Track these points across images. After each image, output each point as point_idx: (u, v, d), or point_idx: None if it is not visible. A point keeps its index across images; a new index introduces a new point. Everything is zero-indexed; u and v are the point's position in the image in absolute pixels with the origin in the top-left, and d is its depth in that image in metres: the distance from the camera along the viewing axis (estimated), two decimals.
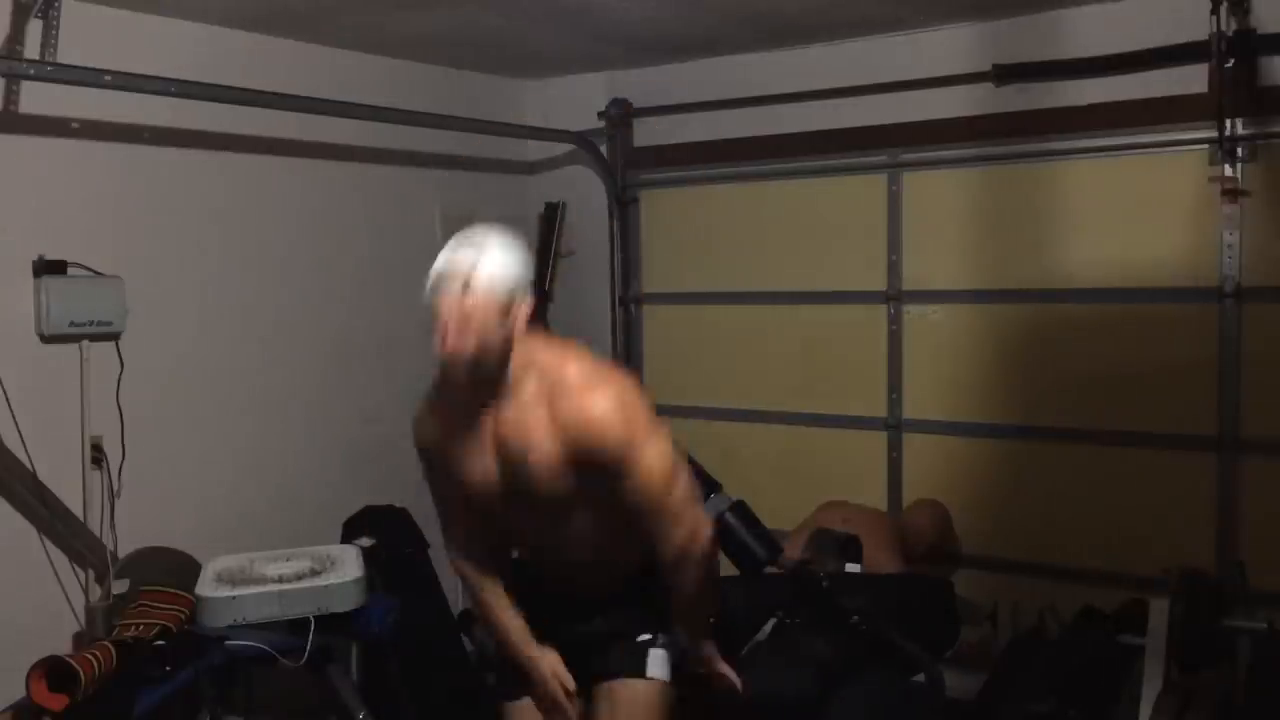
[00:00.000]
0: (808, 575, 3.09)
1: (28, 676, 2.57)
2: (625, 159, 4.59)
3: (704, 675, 2.38)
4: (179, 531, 3.28)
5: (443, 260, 2.05)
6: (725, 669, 2.37)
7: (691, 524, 2.17)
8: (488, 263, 2.03)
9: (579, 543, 2.24)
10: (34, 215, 3.09)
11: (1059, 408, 3.80)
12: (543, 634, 2.37)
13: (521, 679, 2.35)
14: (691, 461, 3.22)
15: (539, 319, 4.61)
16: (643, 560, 2.28)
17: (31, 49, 2.97)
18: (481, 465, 2.17)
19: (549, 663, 2.33)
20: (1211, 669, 3.03)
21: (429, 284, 2.06)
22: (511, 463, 2.12)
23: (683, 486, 2.16)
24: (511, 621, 2.35)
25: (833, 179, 4.19)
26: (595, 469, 2.07)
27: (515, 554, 2.43)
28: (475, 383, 2.08)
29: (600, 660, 2.32)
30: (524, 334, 2.09)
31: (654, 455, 2.09)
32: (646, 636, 2.30)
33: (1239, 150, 3.40)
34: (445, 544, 2.41)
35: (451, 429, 2.20)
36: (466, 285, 2.00)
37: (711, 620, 2.38)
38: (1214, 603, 3.01)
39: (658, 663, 2.30)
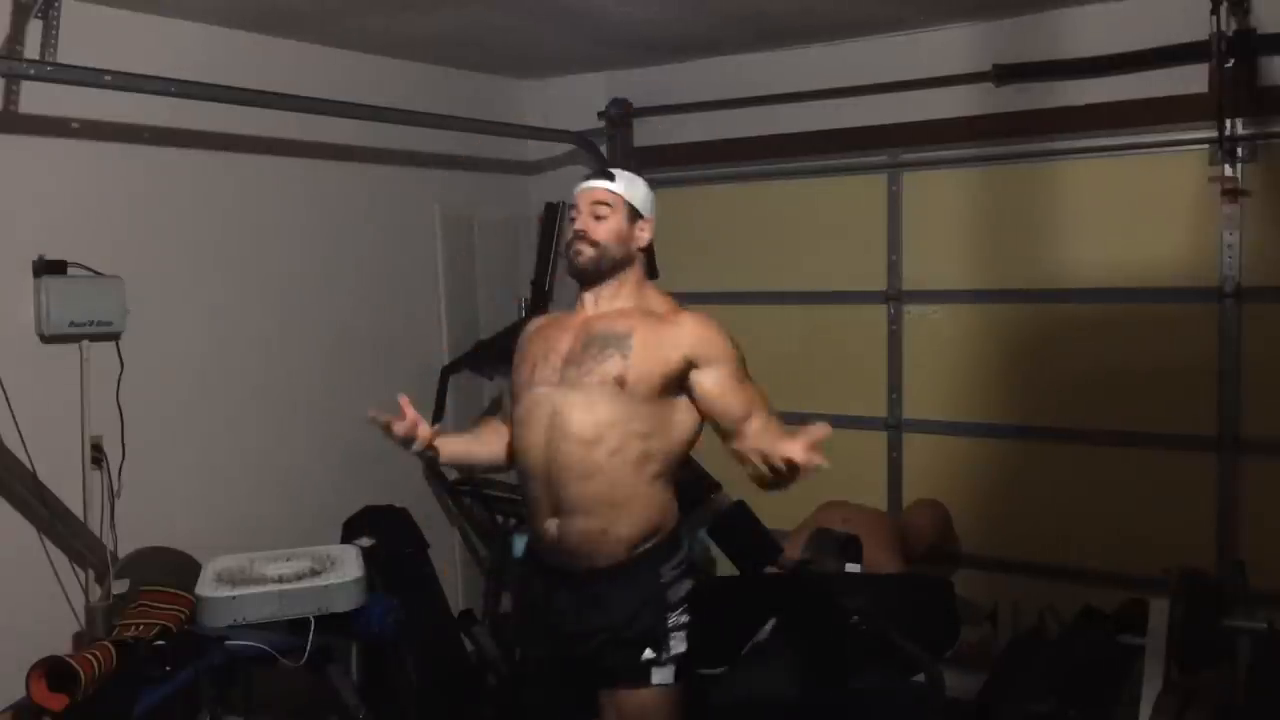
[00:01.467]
0: (808, 575, 3.09)
1: (28, 676, 2.57)
2: (625, 159, 4.58)
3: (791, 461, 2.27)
4: (179, 531, 3.28)
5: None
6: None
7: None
8: (626, 174, 2.49)
9: (584, 458, 2.28)
10: (34, 215, 3.09)
11: (1059, 408, 3.80)
12: (548, 638, 2.39)
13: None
14: (692, 461, 3.24)
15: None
16: (649, 522, 2.34)
17: (31, 49, 2.97)
18: (555, 340, 2.41)
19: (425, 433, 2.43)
20: (1211, 669, 3.03)
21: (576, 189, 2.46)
22: (591, 334, 2.35)
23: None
24: (461, 434, 2.66)
25: (833, 179, 4.19)
26: (706, 369, 2.32)
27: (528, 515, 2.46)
28: (599, 273, 2.40)
29: (605, 668, 2.33)
30: (642, 261, 2.47)
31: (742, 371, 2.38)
32: (650, 655, 2.31)
33: (1239, 150, 3.41)
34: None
35: (550, 324, 2.51)
36: (609, 178, 2.44)
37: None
38: (1214, 603, 3.01)
39: (663, 675, 2.33)
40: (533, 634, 2.48)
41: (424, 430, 2.43)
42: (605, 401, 2.28)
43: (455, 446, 2.58)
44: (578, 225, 2.41)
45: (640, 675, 2.31)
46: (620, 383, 2.28)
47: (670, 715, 2.35)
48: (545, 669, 2.48)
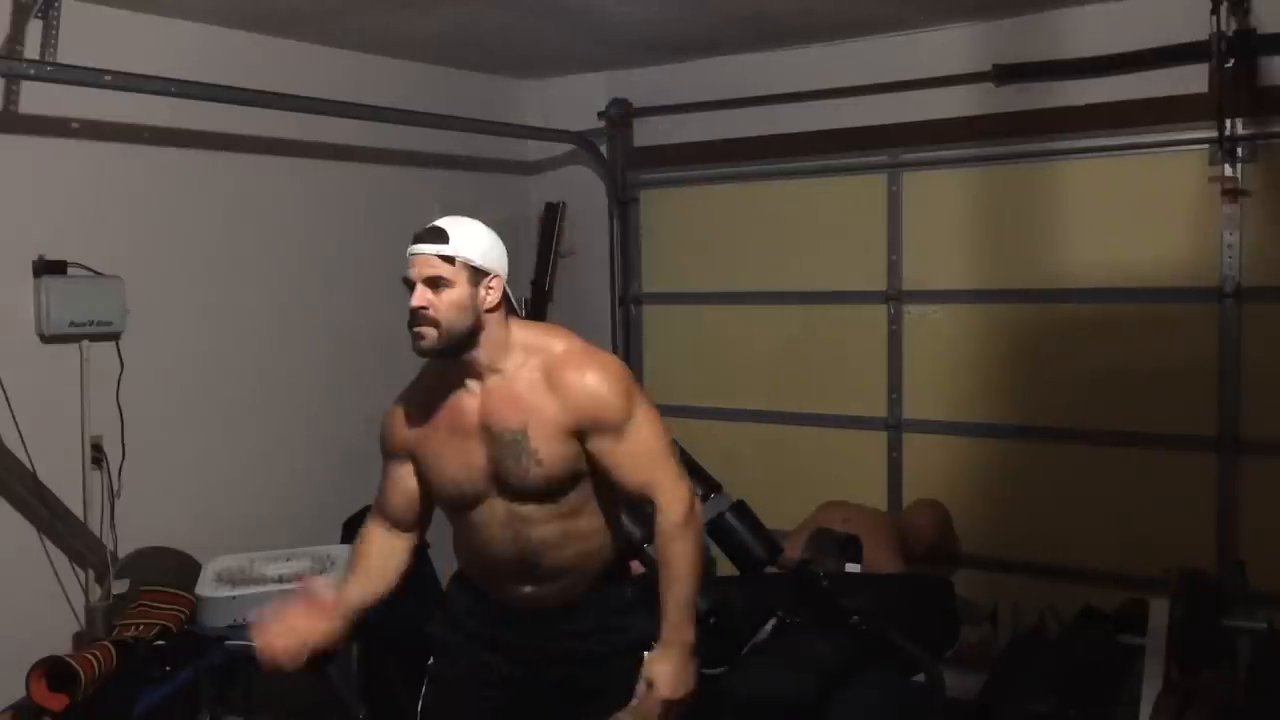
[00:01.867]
0: (808, 575, 3.09)
1: (28, 676, 2.57)
2: (625, 159, 4.59)
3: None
4: (179, 531, 3.28)
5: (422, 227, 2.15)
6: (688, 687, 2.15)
7: (688, 491, 2.17)
8: (462, 226, 2.13)
9: (554, 534, 2.17)
10: (34, 215, 3.09)
11: (1059, 408, 3.80)
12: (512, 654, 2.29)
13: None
14: (692, 461, 3.23)
15: (537, 317, 4.64)
16: (604, 564, 2.26)
17: (31, 49, 2.97)
18: (465, 452, 2.15)
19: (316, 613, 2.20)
20: (1211, 669, 3.03)
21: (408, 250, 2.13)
22: (501, 442, 2.11)
23: (673, 452, 2.20)
24: (357, 581, 2.28)
25: (833, 179, 4.19)
26: (597, 437, 2.11)
27: (466, 561, 2.33)
28: (449, 352, 2.10)
29: (598, 689, 2.23)
30: (500, 314, 2.12)
31: (649, 415, 2.15)
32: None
33: (1239, 150, 3.41)
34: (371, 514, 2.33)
35: (432, 423, 2.20)
36: (440, 238, 2.10)
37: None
38: (1214, 603, 3.01)
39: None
40: (465, 649, 2.36)
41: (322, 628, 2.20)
42: (552, 504, 2.16)
43: (356, 596, 2.30)
44: (413, 301, 2.08)
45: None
46: (549, 485, 2.14)
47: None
48: (464, 687, 2.36)
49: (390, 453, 2.30)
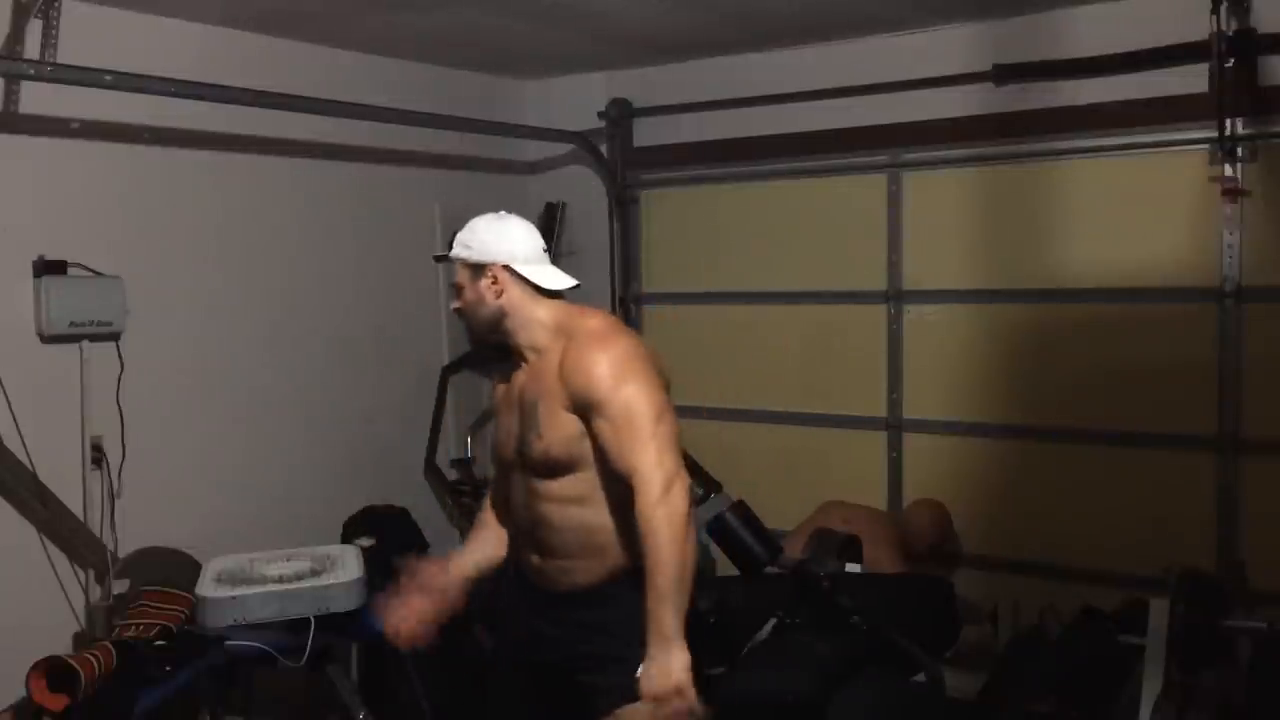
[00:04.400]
0: (808, 575, 3.09)
1: (28, 676, 2.57)
2: (625, 159, 4.59)
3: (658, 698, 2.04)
4: (179, 531, 3.28)
5: None
6: (689, 692, 2.04)
7: (668, 475, 2.07)
8: (464, 228, 2.27)
9: (555, 515, 2.22)
10: (34, 215, 3.09)
11: (1059, 408, 3.80)
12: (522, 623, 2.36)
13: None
14: (692, 461, 3.23)
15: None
16: (613, 566, 2.23)
17: (31, 49, 2.97)
18: (507, 424, 2.31)
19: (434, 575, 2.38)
20: (1211, 669, 3.03)
21: None
22: (522, 414, 2.23)
23: (667, 434, 2.12)
24: (471, 548, 2.47)
25: (833, 179, 4.19)
26: (592, 416, 2.13)
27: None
28: (486, 340, 2.29)
29: (595, 689, 2.22)
30: (523, 298, 2.23)
31: (637, 394, 2.12)
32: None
33: (1239, 150, 3.40)
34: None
35: (504, 394, 2.37)
36: (447, 249, 2.29)
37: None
38: (1214, 603, 3.01)
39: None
40: (509, 640, 2.43)
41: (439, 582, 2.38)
42: (553, 482, 2.21)
43: (471, 562, 2.47)
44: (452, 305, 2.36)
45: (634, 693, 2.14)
46: (546, 460, 2.19)
47: None
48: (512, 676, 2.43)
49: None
